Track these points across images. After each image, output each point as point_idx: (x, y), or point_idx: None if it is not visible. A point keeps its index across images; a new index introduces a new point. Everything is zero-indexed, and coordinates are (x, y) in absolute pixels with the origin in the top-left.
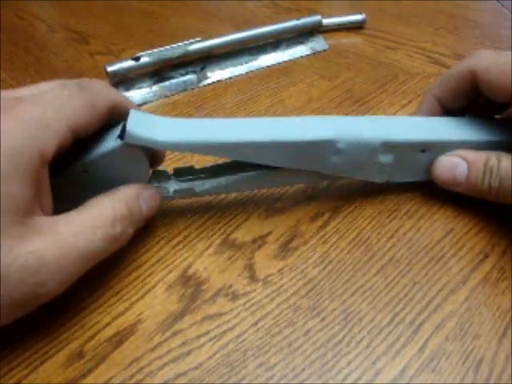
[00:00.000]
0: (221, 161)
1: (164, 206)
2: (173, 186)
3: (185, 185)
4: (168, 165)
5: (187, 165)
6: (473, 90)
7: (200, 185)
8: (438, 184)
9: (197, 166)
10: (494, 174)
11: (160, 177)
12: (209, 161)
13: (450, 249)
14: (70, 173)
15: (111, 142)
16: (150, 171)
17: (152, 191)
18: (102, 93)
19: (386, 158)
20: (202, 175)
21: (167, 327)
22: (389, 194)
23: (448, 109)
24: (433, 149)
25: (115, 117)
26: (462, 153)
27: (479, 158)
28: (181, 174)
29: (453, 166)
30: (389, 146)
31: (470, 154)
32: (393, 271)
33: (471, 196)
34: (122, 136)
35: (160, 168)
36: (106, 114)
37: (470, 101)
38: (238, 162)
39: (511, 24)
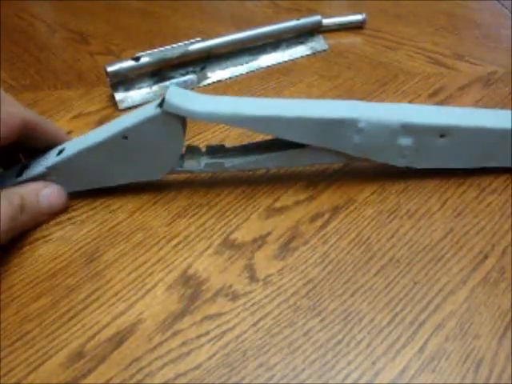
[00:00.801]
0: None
1: (164, 205)
2: (204, 160)
3: (215, 160)
4: (202, 142)
5: (219, 143)
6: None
7: (229, 161)
8: None
9: (228, 146)
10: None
11: (193, 151)
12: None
13: (450, 249)
14: (110, 139)
15: (151, 110)
16: (184, 146)
17: (55, 189)
18: (11, 111)
19: (405, 141)
20: (232, 153)
21: (167, 327)
22: (389, 194)
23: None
24: (452, 134)
25: (28, 133)
26: None
27: None
28: (212, 151)
29: None
30: (408, 129)
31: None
32: (393, 271)
33: None
34: (161, 105)
35: (193, 145)
36: (16, 130)
37: None
38: (265, 143)
39: (511, 24)
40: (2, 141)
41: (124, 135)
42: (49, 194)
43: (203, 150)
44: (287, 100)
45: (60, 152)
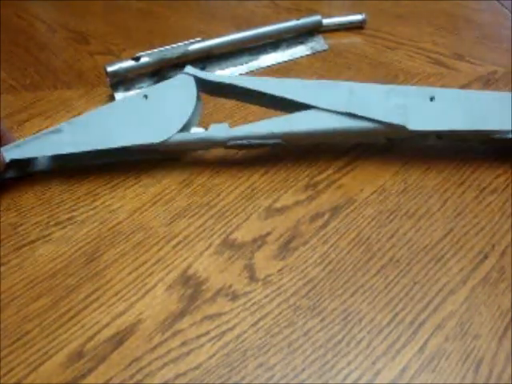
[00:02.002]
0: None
1: (164, 205)
2: (211, 128)
3: (221, 126)
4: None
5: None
6: None
7: (233, 130)
8: None
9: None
10: None
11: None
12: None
13: (450, 249)
14: (131, 98)
15: (173, 75)
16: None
17: None
18: None
19: (396, 100)
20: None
21: (167, 327)
22: (389, 194)
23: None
24: (440, 97)
25: None
26: None
27: None
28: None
29: None
30: (397, 91)
31: None
32: (393, 271)
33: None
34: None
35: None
36: None
37: None
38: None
39: (511, 24)
40: None
41: (145, 94)
42: None
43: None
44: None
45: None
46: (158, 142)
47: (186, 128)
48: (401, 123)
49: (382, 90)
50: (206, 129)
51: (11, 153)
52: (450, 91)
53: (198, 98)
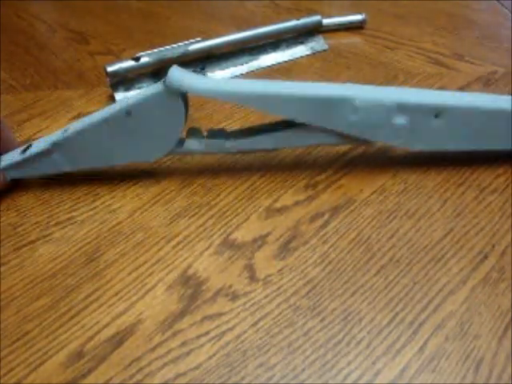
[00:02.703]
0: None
1: (164, 205)
2: (205, 141)
3: (216, 140)
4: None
5: (219, 127)
6: None
7: (229, 142)
8: None
9: (228, 129)
10: None
11: (194, 133)
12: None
13: (450, 249)
14: (114, 115)
15: (155, 87)
16: (185, 128)
17: None
18: None
19: (400, 120)
20: (232, 136)
21: (167, 327)
22: (389, 194)
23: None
24: (446, 114)
25: None
26: None
27: None
28: (213, 134)
29: None
30: (403, 108)
31: None
32: (393, 271)
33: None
34: (164, 82)
35: (195, 127)
36: None
37: None
38: (265, 126)
39: (511, 24)
40: None
41: (127, 111)
42: None
43: (204, 133)
44: (285, 82)
45: (65, 131)
46: (151, 160)
47: (179, 142)
48: (402, 145)
49: (386, 108)
50: (204, 135)
51: (12, 172)
52: (456, 108)
53: (186, 109)
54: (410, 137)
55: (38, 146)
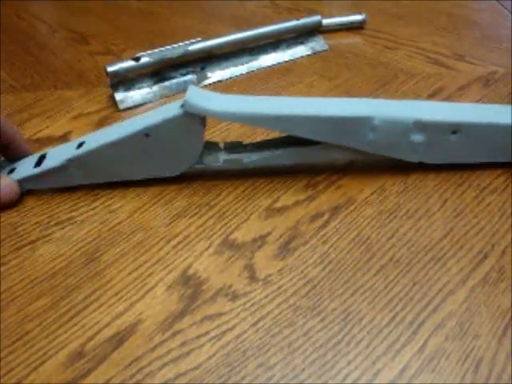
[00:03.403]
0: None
1: (164, 205)
2: (223, 156)
3: (234, 156)
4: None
5: (236, 140)
6: None
7: (247, 157)
8: None
9: (245, 142)
10: None
11: (211, 147)
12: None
13: (450, 249)
14: (132, 136)
15: (174, 110)
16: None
17: (7, 181)
18: None
19: (417, 138)
20: (249, 149)
21: (167, 327)
22: (389, 194)
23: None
24: (463, 130)
25: None
26: None
27: None
28: (230, 147)
29: None
30: (421, 126)
31: None
32: (393, 271)
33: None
34: (183, 105)
35: (212, 140)
36: None
37: None
38: (282, 140)
39: (511, 24)
40: None
41: (146, 133)
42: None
43: (221, 145)
44: (302, 98)
45: (80, 145)
46: (173, 175)
47: (199, 160)
48: (417, 160)
49: (404, 126)
50: (221, 148)
51: (27, 184)
52: (474, 125)
53: (204, 127)
54: (426, 152)
55: (53, 159)
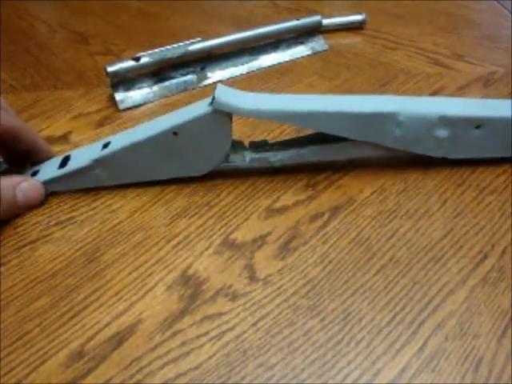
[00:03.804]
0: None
1: (164, 205)
2: (249, 155)
3: (260, 155)
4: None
5: (262, 139)
6: None
7: (273, 155)
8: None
9: (270, 140)
10: None
11: (236, 146)
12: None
13: (450, 249)
14: (160, 135)
15: (203, 107)
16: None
17: (33, 184)
18: None
19: (442, 133)
20: (275, 147)
21: (167, 327)
22: (389, 194)
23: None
24: (487, 125)
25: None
26: None
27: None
28: (256, 146)
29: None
30: (445, 121)
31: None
32: (393, 271)
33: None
34: (212, 103)
35: (237, 139)
36: None
37: None
38: (307, 138)
39: (511, 24)
40: None
41: (174, 131)
42: (26, 188)
43: (246, 144)
44: (329, 96)
45: (105, 146)
46: (200, 174)
47: (224, 159)
48: (441, 155)
49: (429, 121)
50: (246, 147)
51: (51, 186)
52: (498, 119)
53: (231, 126)
54: (450, 147)
55: (78, 160)
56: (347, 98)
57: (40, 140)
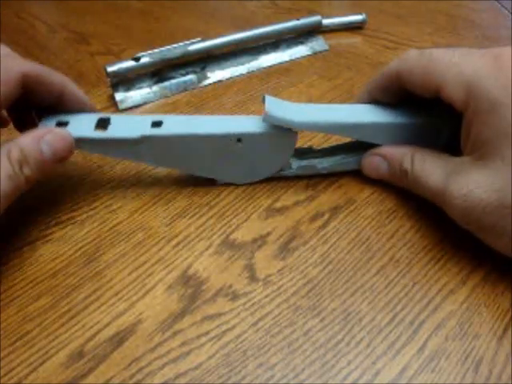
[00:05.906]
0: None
1: (164, 205)
2: (296, 162)
3: (306, 162)
4: None
5: (307, 145)
6: (400, 88)
7: (319, 163)
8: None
9: (315, 147)
10: (408, 175)
11: None
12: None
13: (450, 249)
14: (223, 137)
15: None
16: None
17: (58, 133)
18: (7, 66)
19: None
20: (320, 154)
21: (167, 327)
22: (389, 194)
23: (380, 103)
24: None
25: (32, 87)
26: (382, 151)
27: (396, 158)
28: (301, 153)
29: (375, 168)
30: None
31: (389, 153)
32: (393, 271)
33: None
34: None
35: None
36: (15, 85)
37: (400, 96)
38: (350, 145)
39: (511, 24)
40: (3, 99)
41: (239, 138)
42: (51, 140)
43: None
44: (368, 106)
45: (155, 124)
46: (249, 182)
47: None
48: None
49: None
50: (293, 162)
51: (82, 145)
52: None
53: (295, 141)
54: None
55: (121, 128)
56: (390, 107)
57: (72, 84)
